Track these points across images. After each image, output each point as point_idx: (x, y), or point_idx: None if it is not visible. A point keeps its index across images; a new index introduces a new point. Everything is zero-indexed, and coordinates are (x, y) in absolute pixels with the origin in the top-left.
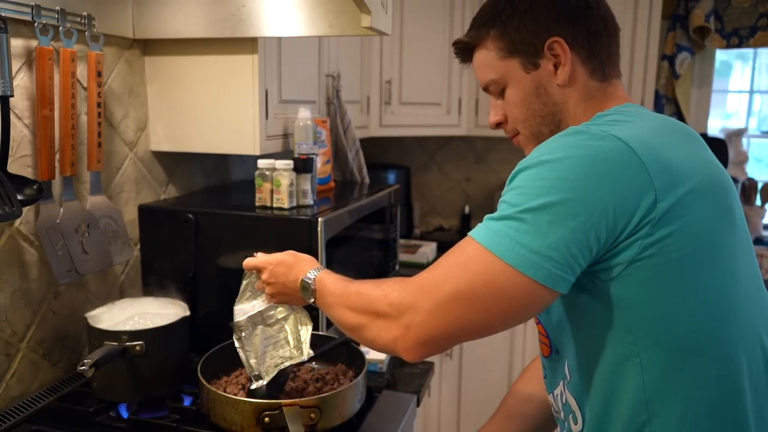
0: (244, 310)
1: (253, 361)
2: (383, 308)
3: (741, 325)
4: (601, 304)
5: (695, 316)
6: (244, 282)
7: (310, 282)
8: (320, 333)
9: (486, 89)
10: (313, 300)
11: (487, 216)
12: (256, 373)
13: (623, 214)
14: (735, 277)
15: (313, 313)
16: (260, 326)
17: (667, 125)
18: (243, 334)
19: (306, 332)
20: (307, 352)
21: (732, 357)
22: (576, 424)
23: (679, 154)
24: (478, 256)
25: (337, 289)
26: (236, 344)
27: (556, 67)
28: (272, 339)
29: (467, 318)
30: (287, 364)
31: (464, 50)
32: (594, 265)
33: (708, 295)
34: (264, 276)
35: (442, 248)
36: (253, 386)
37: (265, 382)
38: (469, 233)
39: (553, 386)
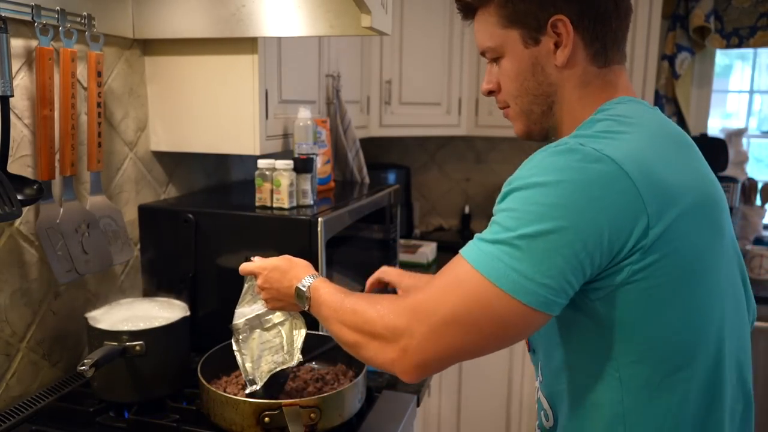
0: (243, 313)
1: (248, 365)
2: (379, 330)
3: (723, 342)
4: (587, 318)
5: (678, 336)
6: (246, 285)
7: (304, 290)
8: (320, 333)
9: (483, 54)
10: (308, 307)
11: (479, 236)
12: (251, 377)
13: (617, 240)
14: (720, 296)
15: (308, 318)
16: (258, 330)
17: (663, 134)
18: (240, 337)
19: (299, 337)
20: (297, 357)
21: (713, 375)
22: (548, 421)
23: (673, 170)
24: (472, 280)
25: (333, 302)
26: (234, 347)
27: (556, 46)
28: (269, 344)
29: (462, 341)
30: (279, 369)
31: (466, 9)
32: (584, 284)
33: (692, 316)
34: (258, 281)
35: (442, 248)
36: (248, 390)
37: (258, 387)
38: (461, 252)
39: (534, 378)
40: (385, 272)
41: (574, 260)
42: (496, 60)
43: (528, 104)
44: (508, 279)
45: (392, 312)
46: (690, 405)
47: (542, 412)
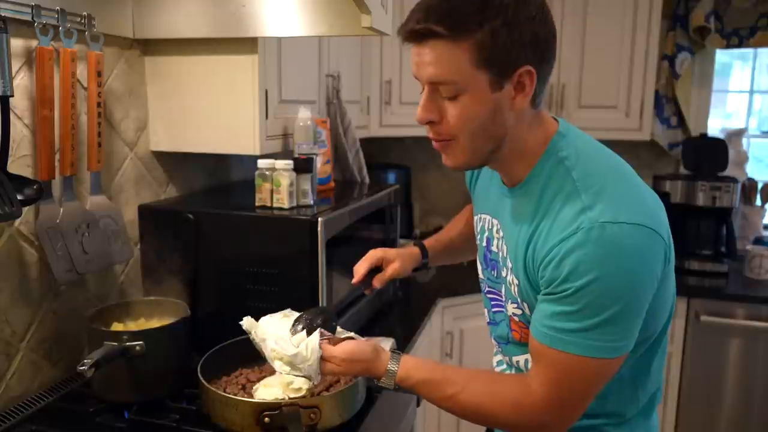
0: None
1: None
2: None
3: (674, 304)
4: None
5: (664, 311)
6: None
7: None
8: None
9: (430, 83)
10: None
11: (566, 327)
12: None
13: (660, 276)
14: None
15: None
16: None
17: (624, 170)
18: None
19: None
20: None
21: (667, 328)
22: None
23: (651, 201)
24: (588, 365)
25: (462, 410)
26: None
27: (516, 92)
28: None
29: (591, 399)
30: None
31: (428, 35)
32: None
33: (669, 295)
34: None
35: None
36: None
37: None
38: (557, 346)
39: (514, 353)
40: (371, 258)
41: (645, 309)
42: (450, 95)
43: (482, 142)
44: (613, 350)
45: (533, 415)
46: (659, 354)
47: None
